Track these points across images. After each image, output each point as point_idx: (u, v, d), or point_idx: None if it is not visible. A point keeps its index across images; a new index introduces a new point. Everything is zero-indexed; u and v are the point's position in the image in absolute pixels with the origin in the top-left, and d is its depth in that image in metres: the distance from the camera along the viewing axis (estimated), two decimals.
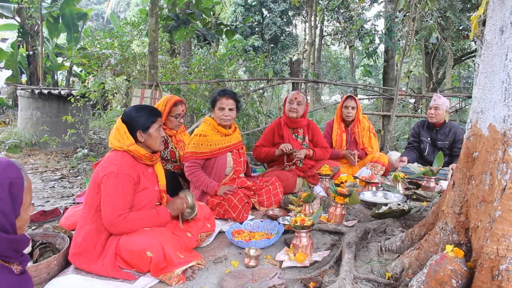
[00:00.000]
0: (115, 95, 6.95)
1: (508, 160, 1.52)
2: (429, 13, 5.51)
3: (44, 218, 2.93)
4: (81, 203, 2.79)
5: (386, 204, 2.64)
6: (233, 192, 2.80)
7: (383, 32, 6.27)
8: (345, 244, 2.10)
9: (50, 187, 4.40)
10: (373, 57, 6.76)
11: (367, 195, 3.03)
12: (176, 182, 3.18)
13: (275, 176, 3.32)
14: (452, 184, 1.87)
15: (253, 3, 16.05)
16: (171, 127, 3.18)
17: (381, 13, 6.88)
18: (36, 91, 6.87)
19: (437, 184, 3.48)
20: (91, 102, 6.97)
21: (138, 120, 2.13)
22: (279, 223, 2.54)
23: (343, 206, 2.67)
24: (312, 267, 2.10)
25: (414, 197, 3.21)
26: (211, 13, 6.08)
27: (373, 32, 7.02)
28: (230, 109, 2.98)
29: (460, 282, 1.52)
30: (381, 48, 7.20)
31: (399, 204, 2.58)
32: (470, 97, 6.20)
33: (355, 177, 3.44)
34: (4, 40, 13.48)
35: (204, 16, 5.76)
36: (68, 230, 2.37)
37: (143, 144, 2.15)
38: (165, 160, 3.20)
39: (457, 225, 1.78)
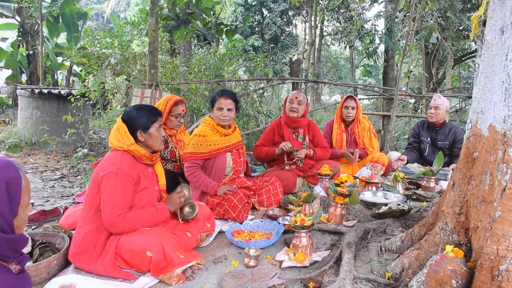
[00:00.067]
0: (115, 94, 6.95)
1: (508, 160, 1.52)
2: (429, 13, 5.51)
3: (44, 217, 2.93)
4: (81, 202, 2.79)
5: (386, 204, 2.64)
6: (233, 192, 2.80)
7: (383, 32, 6.26)
8: (345, 244, 2.10)
9: (50, 187, 4.40)
10: (373, 57, 6.76)
11: (367, 195, 3.03)
12: (176, 182, 3.17)
13: (275, 176, 3.32)
14: (452, 184, 1.87)
15: (253, 3, 16.05)
16: (171, 126, 3.18)
17: (381, 13, 6.88)
18: (36, 91, 6.87)
19: (437, 184, 3.48)
20: (91, 102, 6.96)
21: (139, 119, 2.13)
22: (279, 223, 2.55)
23: (343, 206, 2.67)
24: (312, 267, 2.10)
25: (414, 197, 3.21)
26: (211, 13, 6.08)
27: (373, 32, 7.02)
28: (228, 109, 2.98)
29: (460, 282, 1.52)
30: (381, 48, 7.20)
31: (399, 204, 2.58)
32: (470, 97, 6.20)
33: (355, 177, 3.44)
34: (4, 39, 13.47)
35: (204, 16, 5.75)
36: (68, 229, 2.37)
37: (143, 144, 2.15)
38: (165, 160, 3.20)
39: (457, 225, 1.78)
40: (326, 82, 8.78)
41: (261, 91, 6.92)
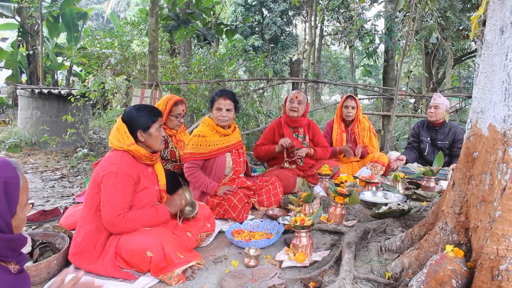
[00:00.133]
0: (115, 94, 6.95)
1: (508, 160, 1.52)
2: (429, 13, 5.51)
3: (44, 217, 2.93)
4: (81, 202, 2.79)
5: (386, 204, 2.64)
6: (233, 192, 2.80)
7: (383, 32, 6.26)
8: (345, 244, 2.11)
9: (50, 187, 4.40)
10: (373, 57, 6.75)
11: (367, 195, 3.03)
12: (176, 182, 3.18)
13: (275, 175, 3.32)
14: (452, 184, 1.87)
15: (253, 3, 16.05)
16: (171, 126, 3.18)
17: (381, 13, 6.88)
18: (36, 91, 6.87)
19: (437, 184, 3.48)
20: (91, 102, 6.96)
21: (139, 119, 2.13)
22: (279, 223, 2.55)
23: (343, 206, 2.67)
24: (312, 267, 2.10)
25: (414, 197, 3.21)
26: (211, 12, 6.08)
27: (373, 32, 7.02)
28: (227, 110, 2.98)
29: (460, 282, 1.52)
30: (381, 48, 7.20)
31: (399, 204, 2.58)
32: (470, 97, 6.20)
33: (355, 177, 3.44)
34: (4, 39, 13.46)
35: (204, 15, 5.75)
36: (68, 229, 2.37)
37: (143, 144, 2.15)
38: (165, 159, 3.20)
39: (457, 225, 1.78)
40: (326, 82, 8.78)
41: (261, 91, 6.92)
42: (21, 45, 11.56)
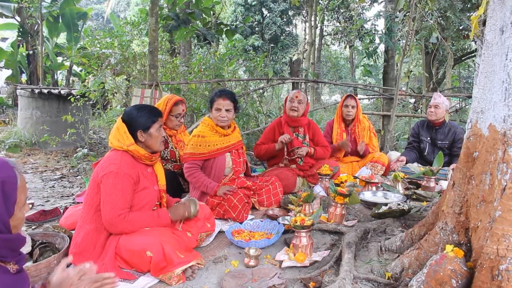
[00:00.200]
0: (115, 94, 6.95)
1: (508, 160, 1.52)
2: (429, 13, 5.51)
3: (44, 217, 2.93)
4: (81, 202, 2.79)
5: (386, 204, 2.64)
6: (233, 192, 2.80)
7: (383, 32, 6.26)
8: (345, 244, 2.10)
9: (50, 187, 4.40)
10: (373, 57, 6.75)
11: (367, 195, 3.03)
12: (176, 182, 3.18)
13: (275, 175, 3.32)
14: (452, 184, 1.87)
15: (253, 3, 16.04)
16: (171, 126, 3.18)
17: (381, 13, 6.88)
18: (36, 91, 6.87)
19: (437, 184, 3.48)
20: (91, 102, 6.96)
21: (139, 119, 2.13)
22: (279, 223, 2.55)
23: (343, 206, 2.67)
24: (312, 267, 2.10)
25: (414, 197, 3.21)
26: (211, 12, 6.08)
27: (373, 32, 7.01)
28: (226, 110, 2.98)
29: (460, 282, 1.52)
30: (381, 48, 7.19)
31: (399, 204, 2.58)
32: (470, 97, 6.20)
33: (355, 177, 3.44)
34: (4, 39, 13.47)
35: (204, 15, 5.75)
36: (68, 229, 2.38)
37: (143, 144, 2.15)
38: (165, 159, 3.20)
39: (457, 225, 1.78)
40: (326, 82, 8.78)
41: (261, 91, 6.92)
42: (21, 45, 11.56)
